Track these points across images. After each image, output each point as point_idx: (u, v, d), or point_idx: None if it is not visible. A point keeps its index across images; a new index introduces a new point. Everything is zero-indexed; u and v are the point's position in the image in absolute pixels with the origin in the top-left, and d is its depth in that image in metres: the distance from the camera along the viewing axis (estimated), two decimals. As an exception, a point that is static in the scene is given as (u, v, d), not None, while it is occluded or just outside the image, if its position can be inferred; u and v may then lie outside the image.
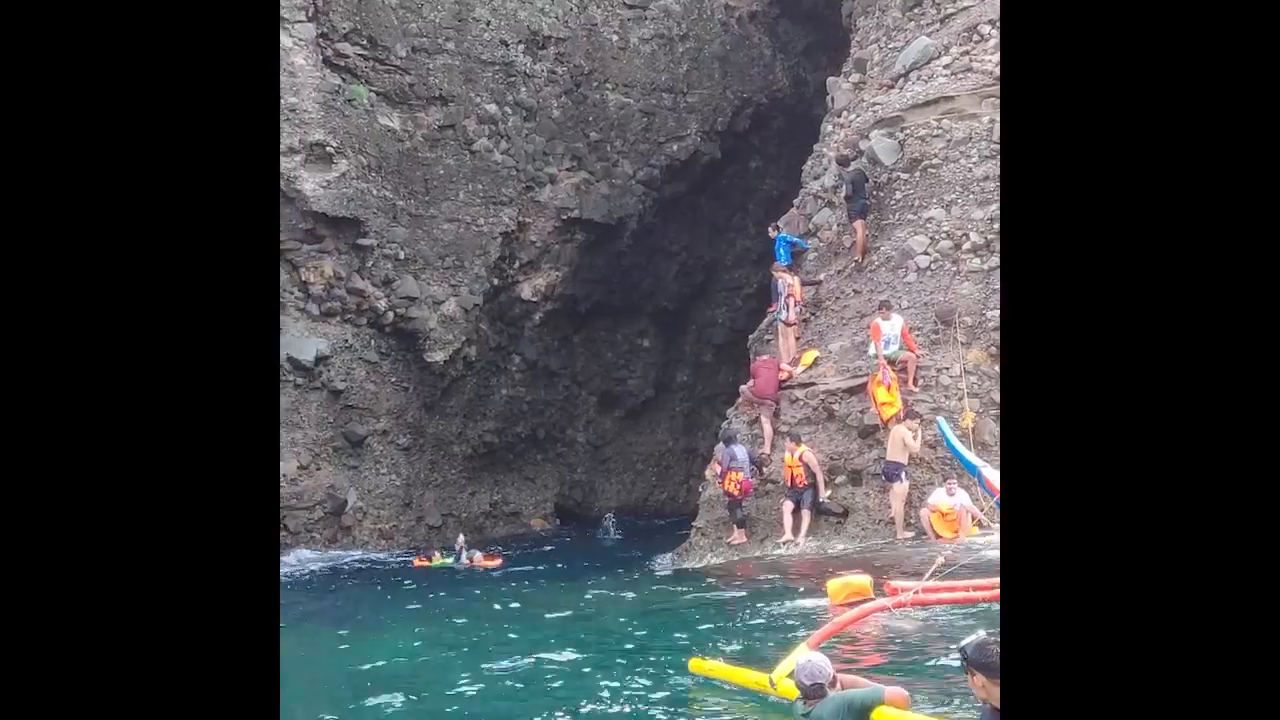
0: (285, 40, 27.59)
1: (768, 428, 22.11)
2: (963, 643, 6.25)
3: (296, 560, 26.45)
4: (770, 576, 18.34)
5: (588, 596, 18.93)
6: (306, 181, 28.01)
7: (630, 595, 18.82)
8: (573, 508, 35.25)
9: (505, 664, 13.42)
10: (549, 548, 29.59)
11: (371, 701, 12.00)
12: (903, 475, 19.41)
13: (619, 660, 13.35)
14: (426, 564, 25.97)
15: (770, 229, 25.55)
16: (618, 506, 35.92)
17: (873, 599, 14.19)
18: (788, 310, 23.13)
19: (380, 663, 14.31)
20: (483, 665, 13.44)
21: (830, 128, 26.90)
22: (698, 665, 11.62)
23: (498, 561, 26.03)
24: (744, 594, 17.24)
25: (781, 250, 24.44)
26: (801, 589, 16.58)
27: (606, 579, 21.36)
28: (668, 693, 11.43)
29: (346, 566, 26.57)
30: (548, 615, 17.25)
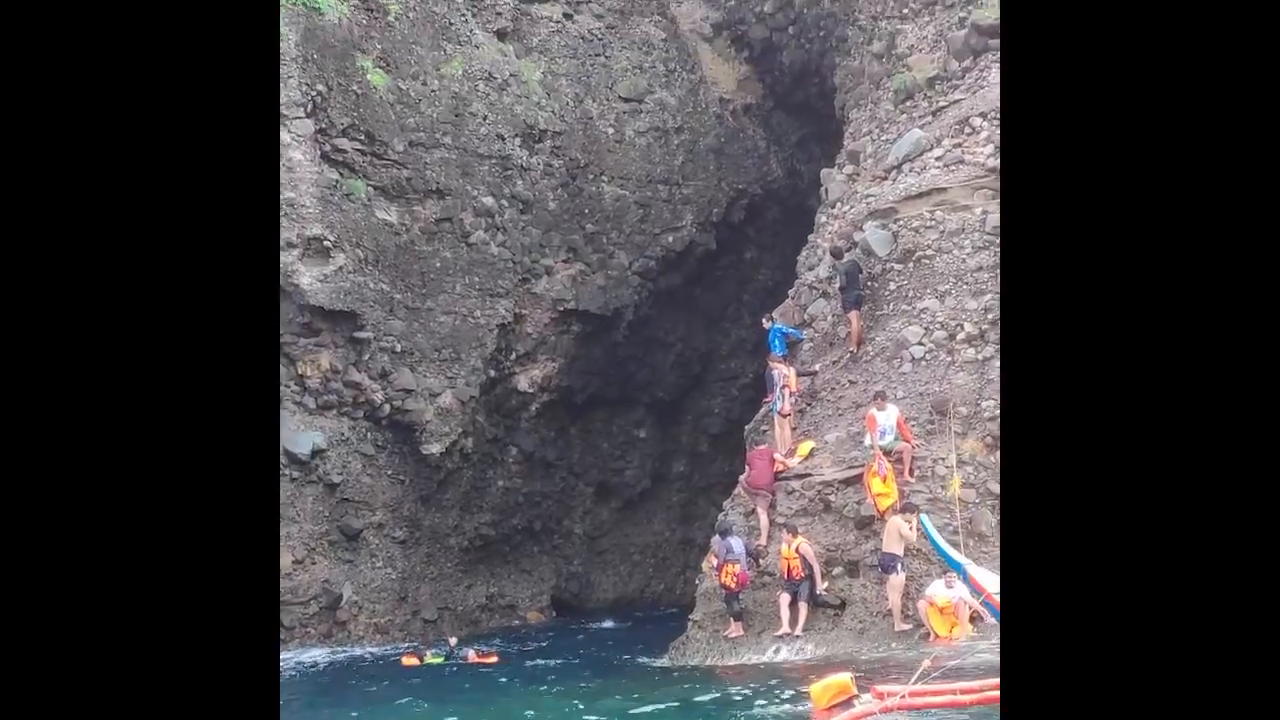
0: (284, 136, 27.81)
1: (764, 519, 22.04)
2: None
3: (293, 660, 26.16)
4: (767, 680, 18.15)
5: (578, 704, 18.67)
6: (304, 275, 28.12)
7: (618, 697, 18.57)
8: (569, 600, 35.00)
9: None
10: (544, 643, 29.25)
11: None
12: (899, 566, 19.32)
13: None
14: (417, 662, 25.33)
15: (764, 320, 25.64)
16: (615, 599, 35.70)
17: (855, 694, 14.07)
18: (783, 401, 23.15)
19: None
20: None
21: (824, 219, 27.10)
22: None
23: (494, 659, 25.57)
24: (736, 696, 17.06)
25: (776, 341, 24.50)
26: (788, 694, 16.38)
27: (598, 680, 21.17)
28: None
29: (339, 663, 26.27)
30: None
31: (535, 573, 34.31)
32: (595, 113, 33.76)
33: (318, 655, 26.94)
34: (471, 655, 25.48)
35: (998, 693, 11.57)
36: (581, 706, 18.01)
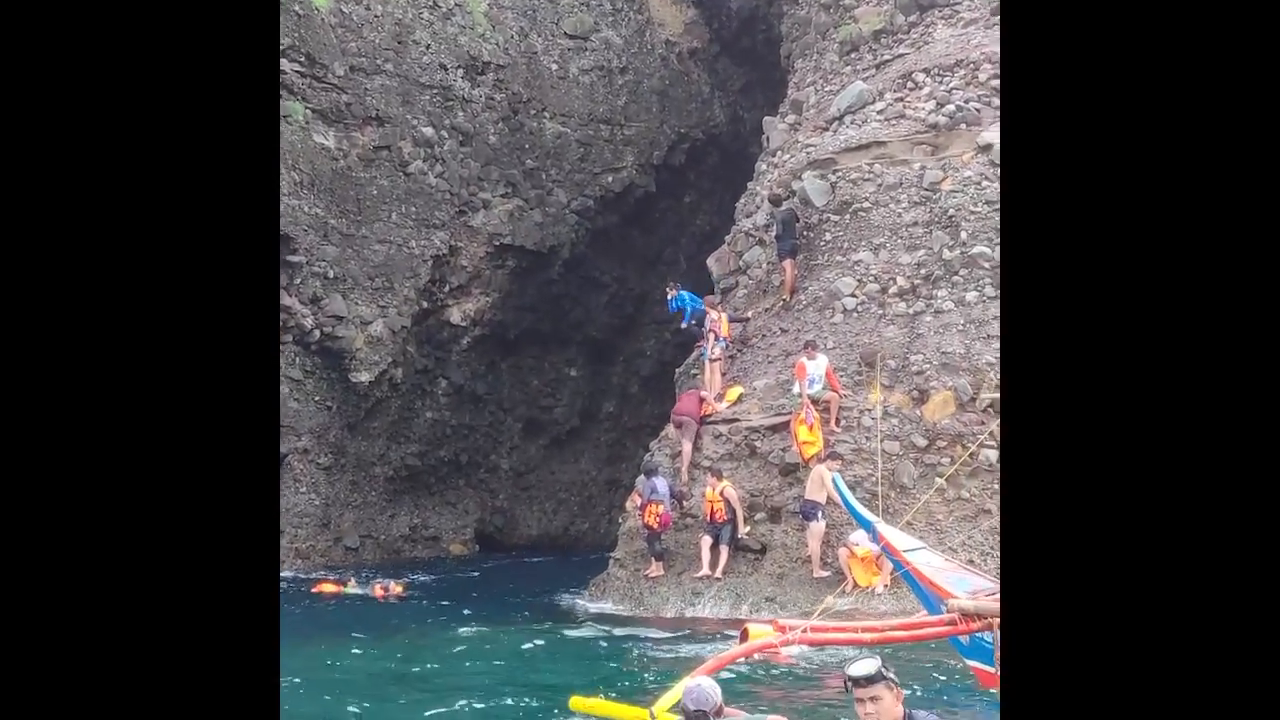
0: (222, 53, 27.42)
1: (686, 448, 22.20)
2: (849, 669, 6.31)
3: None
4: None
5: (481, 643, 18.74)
6: (238, 196, 27.80)
7: (538, 642, 18.71)
8: (493, 534, 35.11)
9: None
10: (472, 574, 29.30)
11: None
12: (820, 514, 19.51)
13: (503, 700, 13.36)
14: (335, 590, 24.72)
15: (669, 289, 25.83)
16: (539, 535, 35.86)
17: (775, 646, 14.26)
18: (712, 345, 23.25)
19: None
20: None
21: (764, 166, 27.13)
22: (578, 703, 11.59)
23: (399, 590, 24.60)
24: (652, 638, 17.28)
25: (686, 310, 24.92)
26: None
27: (502, 617, 21.28)
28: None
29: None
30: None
31: (460, 505, 34.37)
32: (540, 48, 33.54)
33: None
34: (376, 589, 24.53)
35: (901, 633, 11.80)
36: (463, 642, 18.04)
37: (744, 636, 14.79)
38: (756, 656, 13.29)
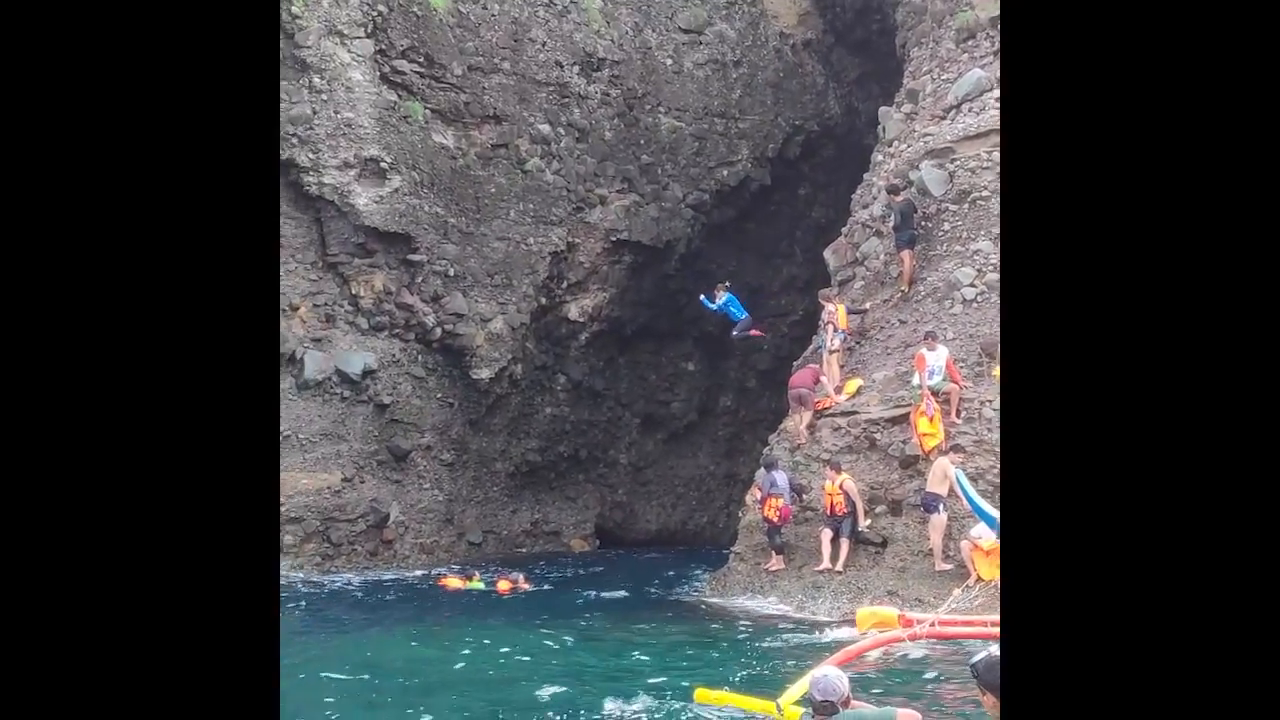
0: (344, 56, 27.93)
1: (805, 417, 22.28)
2: (974, 660, 6.26)
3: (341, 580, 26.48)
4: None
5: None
6: (360, 196, 28.29)
7: (650, 626, 18.81)
8: (613, 529, 35.30)
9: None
10: (595, 569, 29.48)
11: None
12: (941, 507, 19.36)
13: (624, 687, 13.46)
14: (460, 585, 25.08)
15: (719, 290, 27.56)
16: (658, 530, 35.99)
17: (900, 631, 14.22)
18: (830, 337, 23.17)
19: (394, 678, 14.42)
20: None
21: (881, 157, 26.96)
22: (704, 695, 11.64)
23: (523, 585, 24.98)
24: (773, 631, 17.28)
25: (732, 308, 27.27)
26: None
27: (633, 611, 21.37)
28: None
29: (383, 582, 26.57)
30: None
31: (580, 500, 34.60)
32: (654, 43, 33.61)
33: (367, 576, 27.25)
34: (503, 583, 24.96)
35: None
36: (570, 639, 18.18)
37: (858, 624, 14.78)
38: (883, 650, 13.29)
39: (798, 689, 9.79)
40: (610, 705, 12.45)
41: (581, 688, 13.61)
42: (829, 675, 7.58)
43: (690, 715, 11.66)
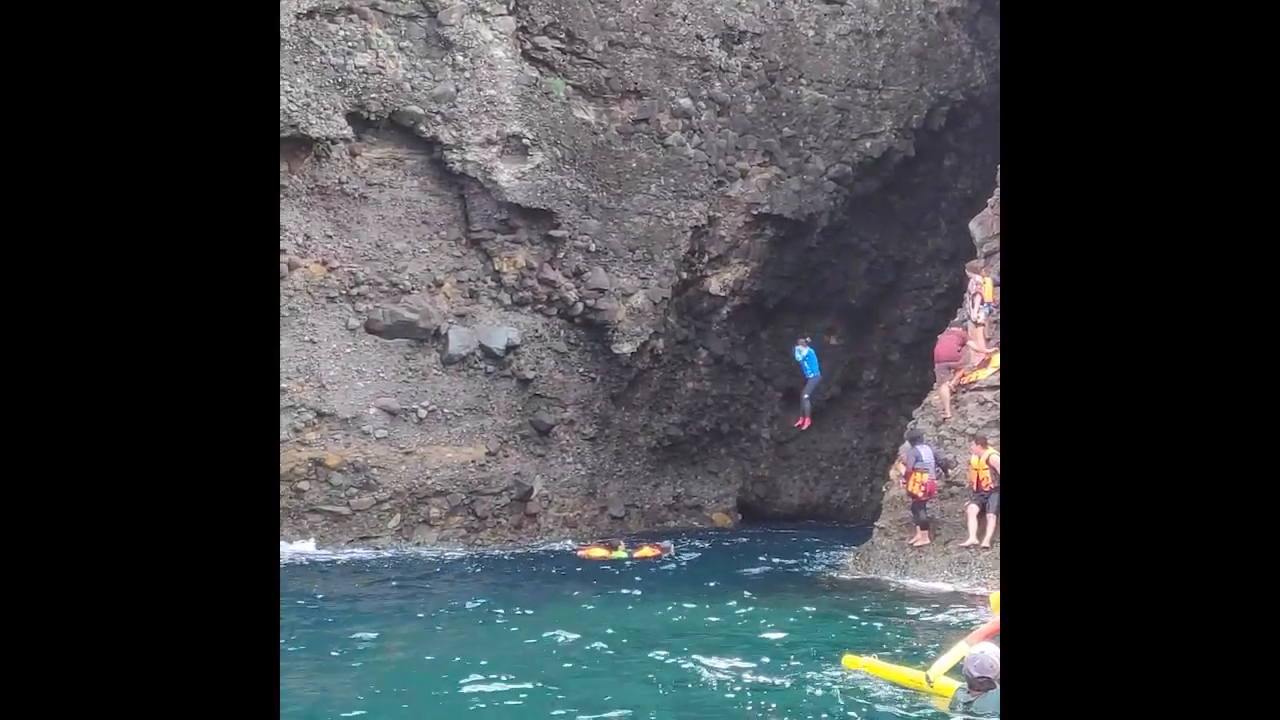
0: (486, 33, 28.15)
1: (944, 392, 22.00)
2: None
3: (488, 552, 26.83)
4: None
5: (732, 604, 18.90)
6: (502, 172, 28.52)
7: (805, 607, 18.72)
8: (755, 503, 35.25)
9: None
10: (740, 539, 29.50)
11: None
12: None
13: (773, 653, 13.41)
14: (609, 553, 25.58)
15: (801, 343, 28.91)
16: (800, 504, 35.86)
17: None
18: (976, 309, 22.83)
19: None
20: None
21: (1028, 126, 26.42)
22: (852, 662, 11.55)
23: (658, 552, 25.80)
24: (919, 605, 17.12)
25: (806, 365, 28.06)
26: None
27: (779, 583, 21.31)
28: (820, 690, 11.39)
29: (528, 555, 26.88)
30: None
31: (722, 475, 34.60)
32: (795, 14, 33.31)
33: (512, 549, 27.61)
34: (650, 549, 25.84)
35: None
36: (737, 605, 18.23)
37: (991, 607, 14.57)
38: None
39: (948, 660, 9.68)
40: (758, 672, 12.42)
41: (730, 651, 13.60)
42: (985, 651, 7.56)
43: (840, 681, 11.57)
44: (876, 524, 22.86)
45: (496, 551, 26.88)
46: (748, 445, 35.14)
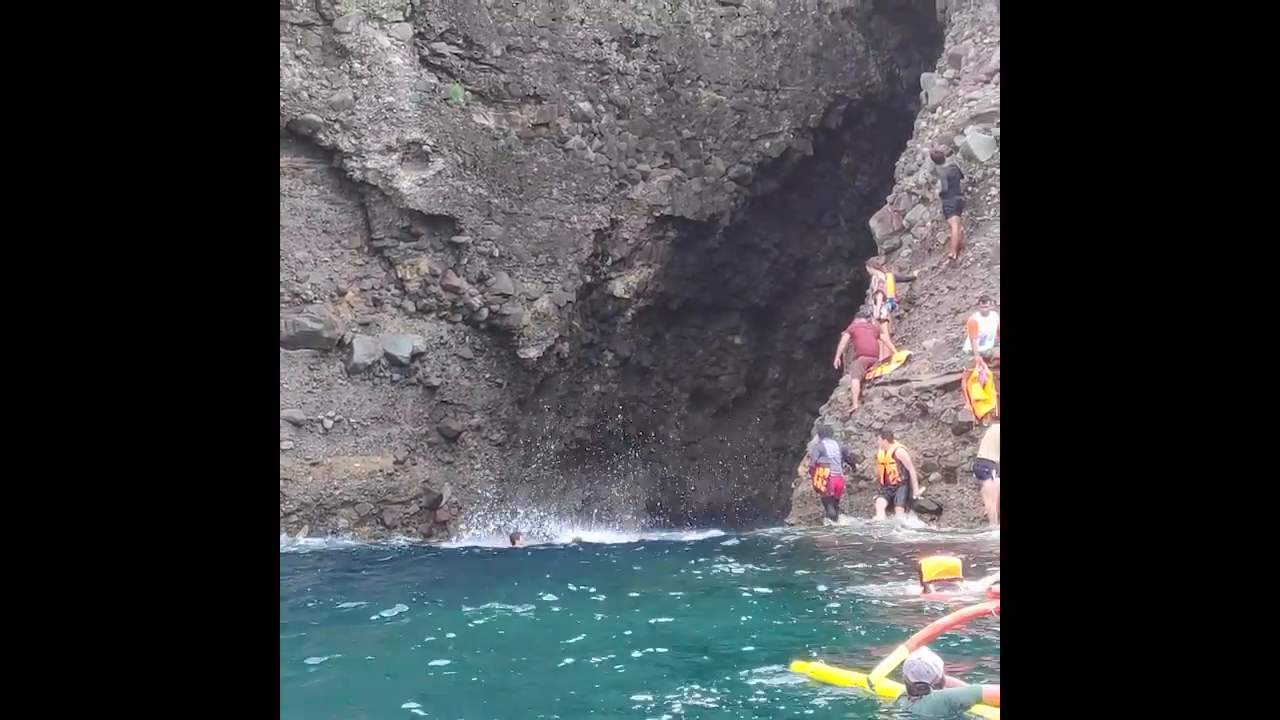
0: (383, 40, 27.99)
1: (856, 386, 22.21)
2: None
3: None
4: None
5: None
6: (403, 179, 28.37)
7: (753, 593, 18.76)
8: (665, 505, 35.35)
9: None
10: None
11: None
12: (993, 473, 19.26)
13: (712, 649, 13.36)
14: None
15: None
16: (710, 504, 36.02)
17: (959, 579, 14.11)
18: (879, 306, 23.12)
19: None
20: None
21: (924, 124, 26.83)
22: (800, 667, 11.63)
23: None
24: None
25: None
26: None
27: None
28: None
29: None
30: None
31: (630, 476, 34.66)
32: (692, 16, 33.49)
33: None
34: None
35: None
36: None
37: (920, 574, 14.70)
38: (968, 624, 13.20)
39: (889, 663, 9.79)
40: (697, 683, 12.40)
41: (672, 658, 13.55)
42: (923, 658, 7.77)
43: (781, 682, 11.58)
44: (786, 521, 23.04)
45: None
46: (655, 447, 35.25)
